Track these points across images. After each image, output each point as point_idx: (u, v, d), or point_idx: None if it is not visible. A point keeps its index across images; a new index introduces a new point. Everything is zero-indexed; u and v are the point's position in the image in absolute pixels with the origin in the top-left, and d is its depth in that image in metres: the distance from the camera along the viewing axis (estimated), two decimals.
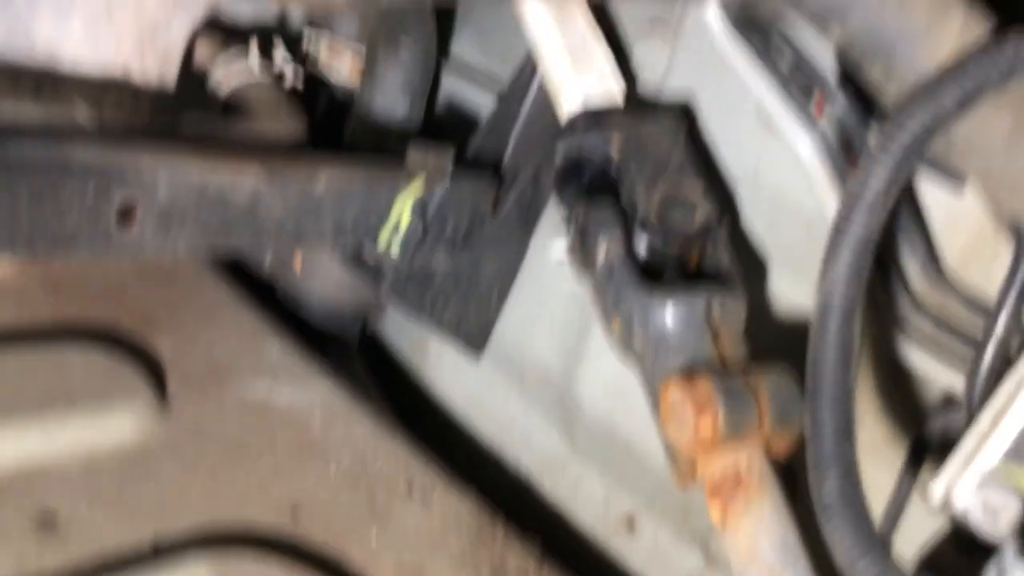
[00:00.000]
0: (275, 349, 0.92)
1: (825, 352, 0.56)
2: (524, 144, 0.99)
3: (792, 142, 0.76)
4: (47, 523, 0.63)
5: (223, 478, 0.73)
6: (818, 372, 0.56)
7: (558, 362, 1.01)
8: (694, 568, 0.94)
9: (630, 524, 0.99)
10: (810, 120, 0.74)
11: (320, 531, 0.72)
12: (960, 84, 0.53)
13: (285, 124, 0.85)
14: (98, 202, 0.63)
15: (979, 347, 0.69)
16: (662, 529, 0.97)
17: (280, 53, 0.96)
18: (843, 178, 0.75)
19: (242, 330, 0.93)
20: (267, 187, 0.72)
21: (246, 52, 0.94)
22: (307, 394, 0.87)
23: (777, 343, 0.85)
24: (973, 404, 0.71)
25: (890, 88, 0.59)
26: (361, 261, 0.91)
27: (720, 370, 0.68)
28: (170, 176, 0.66)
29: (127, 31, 0.83)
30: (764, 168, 0.81)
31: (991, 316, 0.68)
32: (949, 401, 0.77)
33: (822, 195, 0.75)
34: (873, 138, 0.72)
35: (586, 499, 1.01)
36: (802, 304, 0.83)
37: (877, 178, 0.54)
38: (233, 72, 0.91)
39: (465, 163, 0.96)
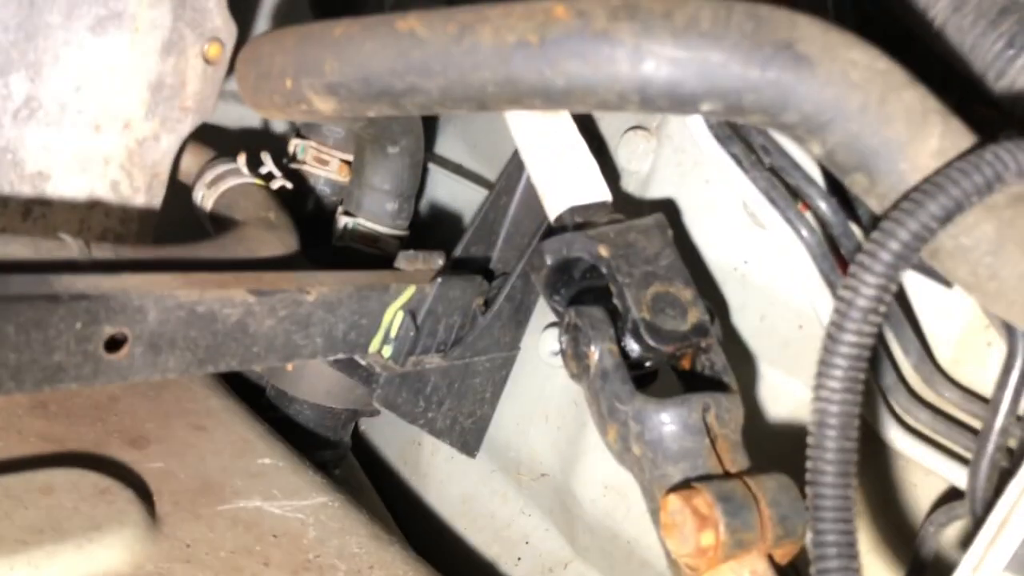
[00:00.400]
0: (267, 460, 0.90)
1: (824, 467, 0.56)
2: (513, 240, 1.00)
3: (780, 239, 0.76)
4: None
5: None
6: (818, 488, 0.56)
7: (555, 459, 1.00)
8: None
9: None
10: (797, 218, 0.74)
11: None
12: (944, 196, 0.54)
13: (274, 236, 0.85)
14: (87, 333, 0.62)
15: (979, 441, 0.69)
16: None
17: (268, 162, 0.97)
18: (831, 277, 0.75)
19: (233, 443, 0.91)
20: (257, 305, 0.72)
21: (232, 162, 0.95)
22: (300, 507, 0.85)
23: (772, 444, 0.84)
24: (976, 498, 0.70)
25: (873, 198, 0.59)
26: (353, 364, 0.90)
27: (720, 478, 0.67)
28: (159, 304, 0.65)
29: (115, 151, 0.84)
30: (753, 265, 0.82)
31: (989, 410, 0.68)
32: (952, 495, 0.77)
33: (813, 292, 0.76)
34: (860, 241, 0.73)
35: None
36: (795, 403, 0.83)
37: (867, 290, 0.55)
38: (220, 183, 0.91)
39: (455, 263, 0.96)
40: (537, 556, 1.02)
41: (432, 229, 1.17)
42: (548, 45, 0.60)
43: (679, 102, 0.60)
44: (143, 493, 0.79)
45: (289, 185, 0.97)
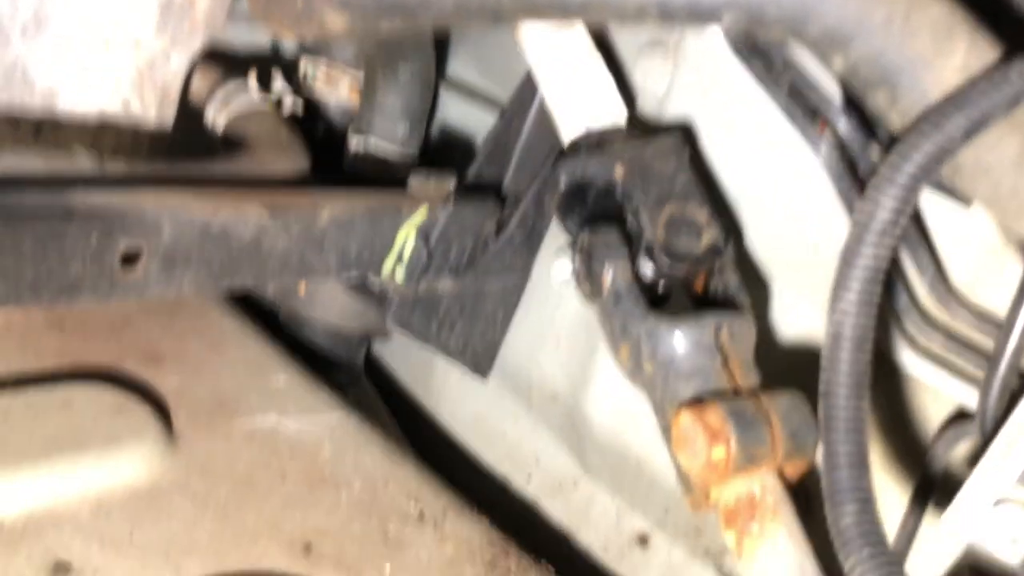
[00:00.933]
0: (281, 379, 0.91)
1: (837, 383, 0.56)
2: (526, 164, 0.99)
3: (797, 161, 0.75)
4: (61, 570, 0.63)
5: (234, 516, 0.73)
6: (831, 403, 0.56)
7: (566, 382, 1.00)
8: None
9: (643, 542, 0.99)
10: (815, 139, 0.73)
11: (334, 566, 0.71)
12: (967, 112, 0.53)
13: (286, 155, 0.84)
14: (102, 248, 0.62)
15: (992, 362, 0.69)
16: (676, 547, 0.97)
17: (278, 82, 0.96)
18: (849, 197, 0.75)
19: (248, 361, 0.92)
20: (271, 223, 0.72)
21: (243, 83, 0.94)
22: (315, 424, 0.86)
23: (784, 365, 0.85)
24: (986, 419, 0.71)
25: (894, 115, 0.58)
26: (365, 287, 0.90)
27: (731, 396, 0.67)
28: (174, 219, 0.65)
29: (125, 69, 0.83)
30: (769, 188, 0.81)
31: (1003, 331, 0.68)
32: (961, 416, 0.77)
33: (830, 214, 0.75)
34: (878, 161, 0.72)
35: (598, 518, 1.01)
36: (809, 325, 0.83)
37: (885, 208, 0.54)
38: (231, 103, 0.90)
39: (467, 186, 0.96)
40: (547, 474, 1.04)
41: (444, 152, 1.16)
42: None
43: (699, 13, 0.59)
44: (160, 409, 0.80)
45: (300, 104, 0.96)
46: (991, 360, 0.69)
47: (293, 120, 0.95)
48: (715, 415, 0.64)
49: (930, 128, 0.53)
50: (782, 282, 0.84)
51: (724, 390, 0.68)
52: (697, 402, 0.66)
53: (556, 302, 1.01)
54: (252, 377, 0.90)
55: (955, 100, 0.53)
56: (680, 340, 0.69)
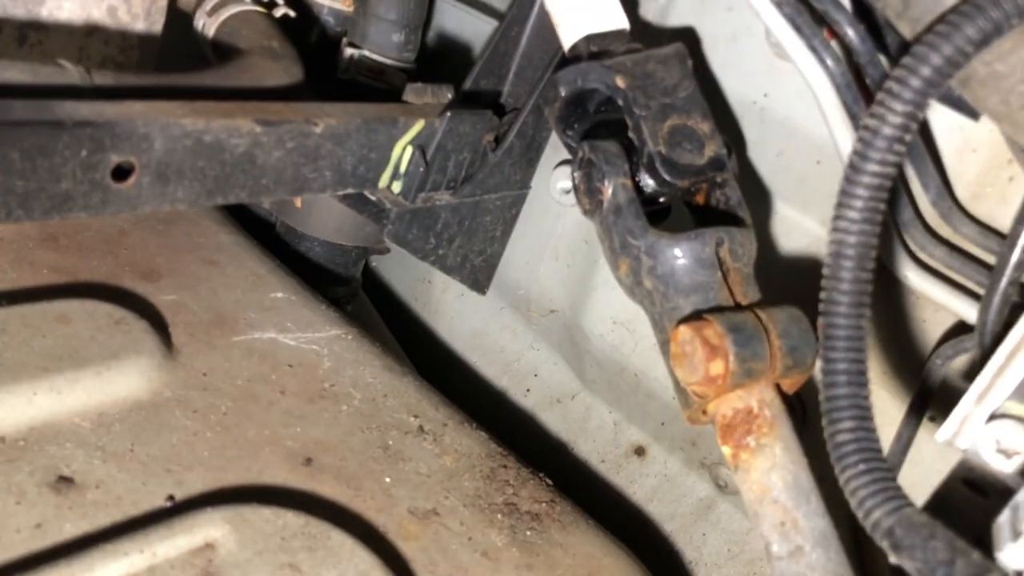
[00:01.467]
0: (279, 293, 0.91)
1: (838, 299, 0.56)
2: (525, 73, 0.96)
3: (803, 69, 0.73)
4: (63, 484, 0.64)
5: (234, 430, 0.73)
6: (831, 320, 0.56)
7: (565, 296, 1.00)
8: (704, 496, 0.96)
9: (640, 454, 1.00)
10: (823, 47, 0.71)
11: (334, 478, 0.72)
12: (979, 20, 0.51)
13: (278, 64, 0.82)
14: (93, 161, 0.61)
15: (993, 275, 0.69)
16: (672, 458, 0.98)
17: None
18: (854, 110, 0.73)
19: (245, 275, 0.92)
20: (264, 135, 0.70)
21: None
22: (314, 339, 0.86)
23: (785, 279, 0.84)
24: (986, 332, 0.71)
25: (905, 23, 0.57)
26: (363, 200, 0.89)
27: (731, 309, 0.67)
28: (165, 131, 0.64)
29: None
30: (773, 98, 0.79)
31: (1006, 244, 0.68)
32: (961, 329, 0.77)
33: (834, 126, 0.73)
34: (888, 71, 0.70)
35: (595, 430, 1.02)
36: (811, 240, 0.82)
37: (893, 119, 0.53)
38: (221, 9, 0.87)
39: (464, 97, 0.94)
40: (545, 388, 1.05)
41: (440, 62, 1.13)
42: None
43: None
44: (158, 324, 0.80)
45: (292, 13, 0.93)
46: (992, 274, 0.69)
47: (285, 27, 0.92)
48: (714, 330, 0.63)
49: (941, 37, 0.52)
50: (783, 197, 0.83)
51: (724, 305, 0.67)
52: (696, 317, 0.65)
53: (556, 215, 1.00)
54: (249, 292, 0.90)
55: (968, 7, 0.51)
56: (680, 255, 0.69)
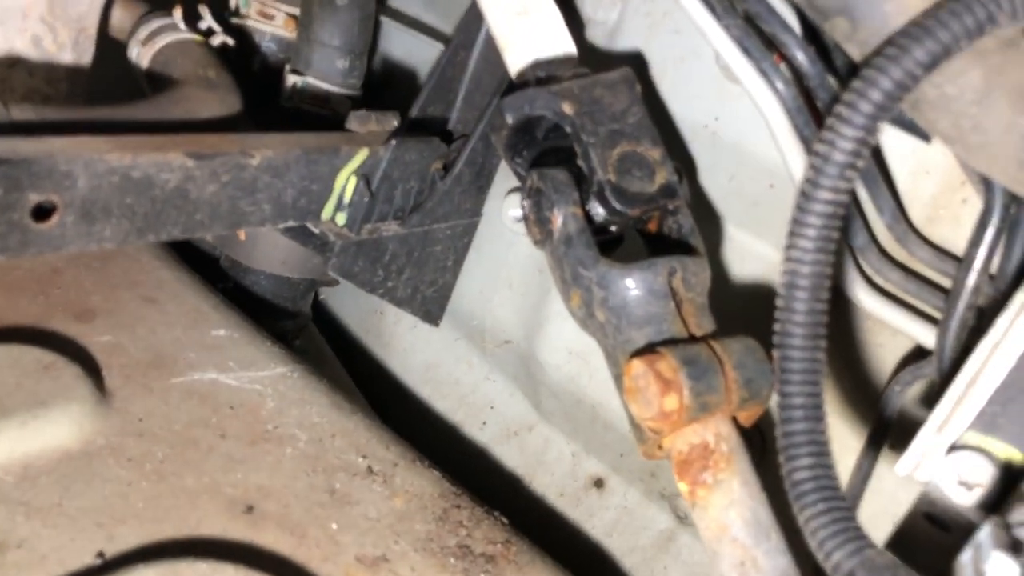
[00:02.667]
0: (221, 331, 0.87)
1: (793, 329, 0.54)
2: (473, 99, 0.95)
3: (753, 93, 0.72)
4: None
5: (171, 479, 0.70)
6: (786, 353, 0.54)
7: (519, 326, 0.98)
8: (664, 527, 0.93)
9: (599, 486, 0.98)
10: (772, 70, 0.70)
11: (277, 527, 0.69)
12: (929, 43, 0.50)
13: (215, 96, 0.79)
14: (10, 200, 0.58)
15: (950, 300, 0.68)
16: (631, 489, 0.96)
17: (206, 15, 0.90)
18: (806, 133, 0.72)
19: (186, 312, 0.88)
20: (197, 169, 0.67)
21: (168, 17, 0.88)
22: (257, 378, 0.83)
23: (740, 306, 0.83)
24: (944, 357, 0.69)
25: (854, 45, 0.55)
26: (306, 233, 0.86)
27: (685, 341, 0.65)
28: (89, 168, 0.61)
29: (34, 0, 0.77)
30: (724, 122, 0.78)
31: (962, 268, 0.67)
32: (920, 354, 0.76)
33: (786, 150, 0.72)
34: (838, 94, 0.69)
35: (553, 462, 1.00)
36: (765, 266, 0.81)
37: (844, 145, 0.51)
38: (155, 39, 0.84)
39: (411, 124, 0.91)
40: (502, 420, 1.02)
41: (387, 89, 1.11)
42: None
43: None
44: (91, 368, 0.76)
45: (231, 41, 0.91)
46: (949, 298, 0.68)
47: (224, 57, 0.89)
48: (667, 364, 0.61)
49: (890, 60, 0.50)
50: (736, 222, 0.81)
51: (677, 337, 0.65)
52: (649, 350, 0.63)
53: (508, 243, 0.98)
54: (190, 331, 0.86)
55: (916, 30, 0.50)
56: (632, 286, 0.67)
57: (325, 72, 0.97)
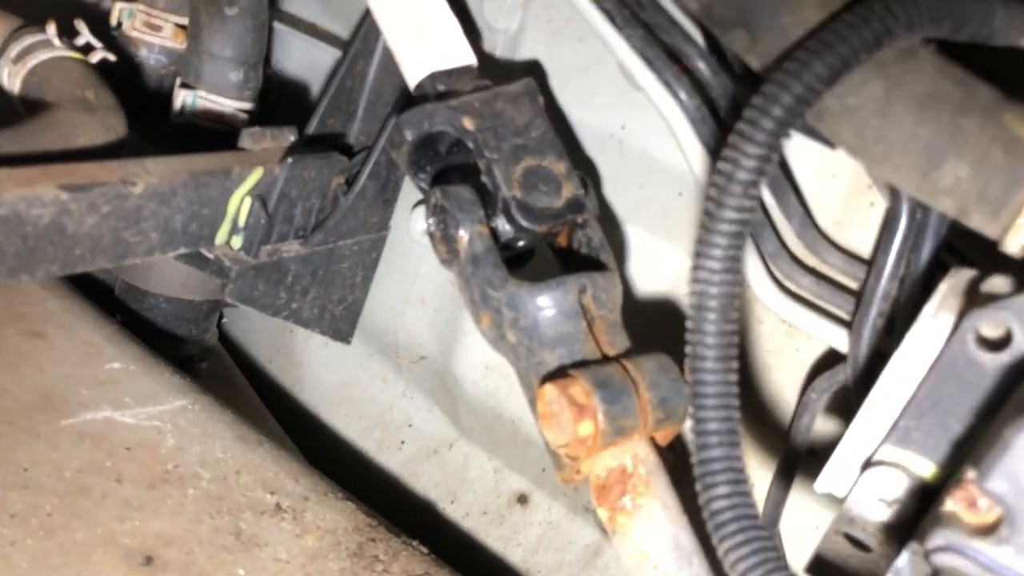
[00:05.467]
0: (116, 364, 0.82)
1: (705, 351, 0.52)
2: (375, 109, 0.91)
3: (658, 104, 0.70)
4: None
5: (60, 533, 0.65)
6: (699, 376, 0.52)
7: (434, 341, 0.95)
8: (590, 541, 0.92)
9: (523, 501, 0.96)
10: (675, 80, 0.68)
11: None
12: (828, 56, 0.49)
13: (95, 118, 0.74)
14: None
15: (861, 306, 0.67)
16: (556, 503, 0.94)
17: (84, 30, 0.84)
18: (710, 142, 0.70)
19: (77, 346, 0.83)
20: (72, 201, 0.63)
21: (42, 33, 0.82)
22: (155, 415, 0.78)
23: (655, 311, 0.82)
24: (858, 364, 0.69)
25: (754, 57, 0.54)
26: (201, 258, 0.82)
27: (597, 363, 0.63)
28: None
29: None
30: (630, 130, 0.76)
31: (871, 273, 0.66)
32: (835, 357, 0.75)
33: (692, 159, 0.71)
34: (740, 105, 0.67)
35: (475, 480, 0.97)
36: (676, 273, 0.79)
37: (748, 159, 0.50)
38: (28, 57, 0.78)
39: (310, 139, 0.88)
40: (421, 439, 0.99)
41: (286, 100, 1.07)
42: None
43: None
44: None
45: (112, 57, 0.85)
46: (860, 304, 0.67)
47: (107, 74, 0.83)
48: (580, 388, 0.59)
49: (791, 75, 0.49)
50: (647, 230, 0.80)
51: (590, 358, 0.63)
52: (562, 373, 0.61)
53: (419, 257, 0.95)
54: (82, 367, 0.81)
55: (815, 44, 0.49)
56: (542, 307, 0.64)
57: (218, 85, 0.92)
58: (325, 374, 1.06)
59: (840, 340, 0.73)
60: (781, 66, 0.50)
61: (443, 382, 0.96)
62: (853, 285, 0.72)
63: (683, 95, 0.67)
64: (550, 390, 0.61)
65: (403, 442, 1.00)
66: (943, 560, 0.45)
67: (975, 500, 0.45)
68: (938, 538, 0.45)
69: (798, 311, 0.75)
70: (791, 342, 0.77)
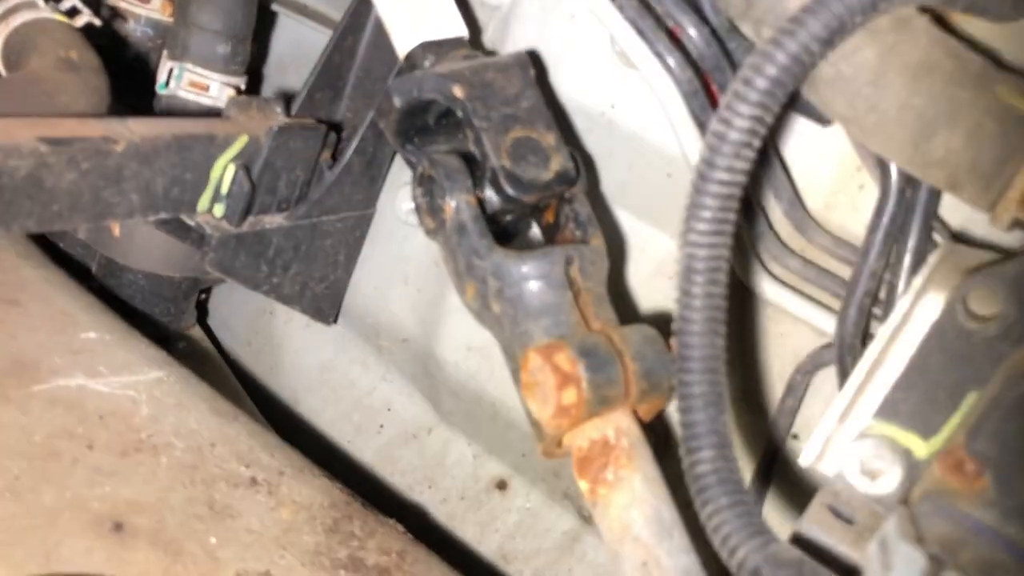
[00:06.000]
0: (92, 333, 0.80)
1: (692, 317, 0.52)
2: (364, 86, 0.90)
3: (649, 76, 0.70)
4: None
5: (28, 496, 0.63)
6: (685, 341, 0.52)
7: (416, 323, 0.94)
8: (569, 528, 0.91)
9: (502, 487, 0.95)
10: (668, 51, 0.68)
11: (150, 544, 0.63)
12: (823, 19, 0.48)
13: (79, 79, 0.73)
14: None
15: (849, 286, 0.67)
16: (535, 490, 0.93)
17: None
18: (702, 117, 0.70)
19: (52, 314, 0.81)
20: (52, 155, 0.61)
21: None
22: (130, 384, 0.77)
23: (640, 293, 0.81)
24: (844, 345, 0.69)
25: (748, 23, 0.53)
26: (181, 226, 0.80)
27: (583, 334, 0.62)
28: None
29: None
30: (621, 109, 0.76)
31: (860, 254, 0.66)
32: (820, 342, 0.75)
33: (683, 135, 0.70)
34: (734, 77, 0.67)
35: (454, 465, 0.96)
36: (664, 254, 0.79)
37: (741, 119, 0.49)
38: (11, 16, 0.77)
39: (298, 112, 0.87)
40: (400, 423, 0.98)
41: (274, 79, 1.06)
42: None
43: None
44: None
45: (97, 21, 0.84)
46: (848, 283, 0.67)
47: (95, 38, 0.82)
48: (565, 356, 0.58)
49: (785, 37, 0.48)
50: (635, 212, 0.79)
51: (575, 328, 0.62)
52: (546, 344, 0.60)
53: (404, 237, 0.94)
54: (56, 335, 0.79)
55: (811, 6, 0.48)
56: (528, 277, 0.64)
57: (205, 58, 0.91)
58: (304, 357, 1.04)
59: (828, 324, 0.73)
60: (775, 30, 0.49)
61: (424, 365, 0.95)
62: (842, 268, 0.72)
63: (675, 67, 0.66)
64: (534, 358, 0.60)
65: (382, 426, 0.99)
66: (930, 524, 0.44)
67: (962, 464, 0.45)
68: (925, 503, 0.44)
69: (785, 295, 0.74)
70: (778, 326, 0.77)
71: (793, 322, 0.75)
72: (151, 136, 0.68)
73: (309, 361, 1.04)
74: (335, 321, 0.97)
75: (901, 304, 0.55)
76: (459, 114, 0.69)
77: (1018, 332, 0.48)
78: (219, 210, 0.76)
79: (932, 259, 0.55)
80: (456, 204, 0.67)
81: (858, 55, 0.52)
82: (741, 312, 0.77)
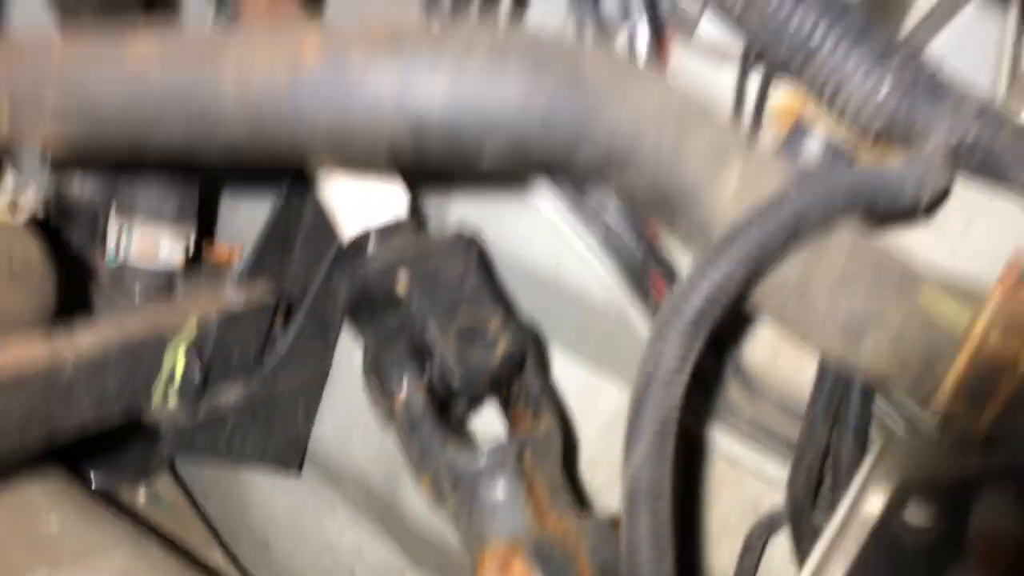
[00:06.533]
0: (53, 521, 0.80)
1: (638, 540, 0.52)
2: (312, 241, 0.91)
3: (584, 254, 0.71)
4: None
5: None
6: (634, 562, 0.52)
7: (379, 472, 0.94)
8: None
9: None
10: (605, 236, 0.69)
11: None
12: (742, 253, 0.49)
13: (20, 284, 0.72)
14: None
15: (796, 453, 0.68)
16: None
17: (8, 179, 0.82)
18: (644, 282, 0.71)
19: (12, 503, 0.81)
20: None
21: None
22: (95, 570, 0.76)
23: (596, 438, 0.81)
24: (796, 504, 0.70)
25: (676, 236, 0.55)
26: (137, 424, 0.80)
27: (537, 536, 0.63)
28: None
29: None
30: (564, 273, 0.77)
31: (803, 424, 0.67)
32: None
33: (621, 306, 0.72)
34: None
35: None
36: (619, 400, 0.80)
37: (671, 353, 0.50)
38: None
39: (245, 268, 0.86)
40: (371, 569, 0.98)
41: (231, 219, 1.06)
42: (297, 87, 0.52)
43: (461, 142, 0.54)
44: None
45: (40, 215, 0.81)
46: (796, 452, 0.68)
47: (37, 226, 0.80)
48: (520, 566, 0.59)
49: (705, 272, 0.50)
50: (588, 363, 0.80)
51: (530, 530, 0.63)
52: (500, 553, 0.61)
53: (360, 388, 0.94)
54: (17, 524, 0.79)
55: (730, 238, 0.50)
56: (482, 471, 0.64)
57: (153, 214, 0.90)
58: (273, 498, 1.04)
59: (780, 474, 0.74)
60: (698, 263, 0.50)
61: (391, 511, 0.95)
62: (790, 427, 0.73)
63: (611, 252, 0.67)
64: (490, 566, 0.60)
65: (352, 571, 0.99)
66: None
67: None
68: None
69: (739, 448, 0.75)
70: (731, 478, 0.77)
71: (748, 474, 0.76)
72: (100, 343, 0.68)
73: (278, 503, 1.03)
74: (299, 469, 0.97)
75: (844, 503, 0.56)
76: (405, 303, 0.69)
77: (949, 550, 0.50)
78: (173, 397, 0.76)
79: (870, 457, 0.56)
80: (407, 395, 0.68)
81: (780, 271, 0.53)
82: (700, 462, 0.78)
